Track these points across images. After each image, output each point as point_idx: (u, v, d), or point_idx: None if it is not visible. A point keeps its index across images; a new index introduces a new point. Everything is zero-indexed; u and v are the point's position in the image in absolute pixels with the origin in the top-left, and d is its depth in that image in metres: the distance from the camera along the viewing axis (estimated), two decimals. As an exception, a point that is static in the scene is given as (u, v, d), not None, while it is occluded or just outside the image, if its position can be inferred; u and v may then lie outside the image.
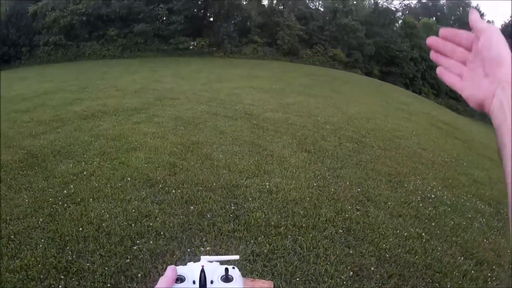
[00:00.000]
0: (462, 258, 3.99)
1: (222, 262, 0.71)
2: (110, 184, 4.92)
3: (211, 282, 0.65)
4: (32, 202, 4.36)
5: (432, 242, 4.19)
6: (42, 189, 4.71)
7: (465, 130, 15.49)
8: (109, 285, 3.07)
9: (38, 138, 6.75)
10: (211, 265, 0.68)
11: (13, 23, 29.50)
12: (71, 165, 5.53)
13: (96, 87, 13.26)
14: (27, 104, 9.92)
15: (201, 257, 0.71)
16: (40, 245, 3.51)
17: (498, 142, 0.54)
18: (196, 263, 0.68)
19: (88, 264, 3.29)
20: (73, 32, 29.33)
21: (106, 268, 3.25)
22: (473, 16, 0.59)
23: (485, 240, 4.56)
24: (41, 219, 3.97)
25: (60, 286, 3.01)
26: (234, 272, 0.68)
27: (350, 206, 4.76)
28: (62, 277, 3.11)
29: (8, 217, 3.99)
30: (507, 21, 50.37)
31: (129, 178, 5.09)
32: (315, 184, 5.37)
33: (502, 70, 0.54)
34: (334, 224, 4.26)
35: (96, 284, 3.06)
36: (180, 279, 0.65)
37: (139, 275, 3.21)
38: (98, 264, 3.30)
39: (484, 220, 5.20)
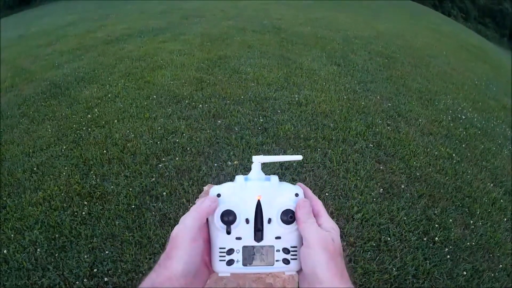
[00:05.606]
0: (492, 184, 3.77)
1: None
2: (135, 103, 4.73)
3: (269, 221, 0.50)
4: (55, 131, 4.25)
5: (463, 165, 3.99)
6: (65, 116, 4.59)
7: (494, 55, 14.82)
8: (133, 206, 2.94)
9: (61, 68, 6.57)
10: (268, 191, 0.51)
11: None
12: (95, 89, 5.36)
13: (120, 12, 12.84)
14: (49, 38, 9.67)
15: (253, 157, 0.53)
16: (64, 173, 3.41)
17: None
18: (249, 182, 0.52)
19: (112, 186, 3.17)
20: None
21: (130, 189, 3.12)
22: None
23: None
24: (64, 147, 3.87)
25: (83, 213, 2.91)
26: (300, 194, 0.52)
27: (380, 120, 4.56)
28: (86, 202, 3.01)
29: (31, 150, 3.91)
30: None
31: (154, 96, 4.88)
32: (345, 97, 5.14)
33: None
34: (365, 138, 4.09)
35: (120, 207, 2.94)
36: (227, 215, 0.48)
37: (164, 193, 3.05)
38: (122, 186, 3.17)
39: (513, 148, 4.80)
